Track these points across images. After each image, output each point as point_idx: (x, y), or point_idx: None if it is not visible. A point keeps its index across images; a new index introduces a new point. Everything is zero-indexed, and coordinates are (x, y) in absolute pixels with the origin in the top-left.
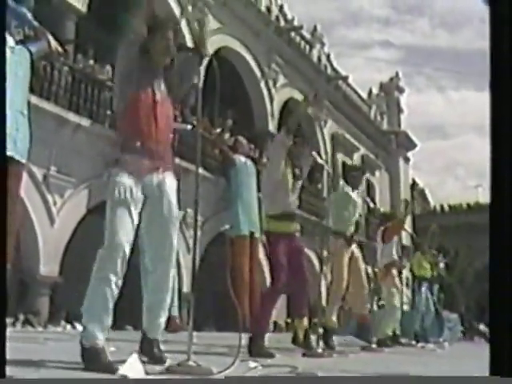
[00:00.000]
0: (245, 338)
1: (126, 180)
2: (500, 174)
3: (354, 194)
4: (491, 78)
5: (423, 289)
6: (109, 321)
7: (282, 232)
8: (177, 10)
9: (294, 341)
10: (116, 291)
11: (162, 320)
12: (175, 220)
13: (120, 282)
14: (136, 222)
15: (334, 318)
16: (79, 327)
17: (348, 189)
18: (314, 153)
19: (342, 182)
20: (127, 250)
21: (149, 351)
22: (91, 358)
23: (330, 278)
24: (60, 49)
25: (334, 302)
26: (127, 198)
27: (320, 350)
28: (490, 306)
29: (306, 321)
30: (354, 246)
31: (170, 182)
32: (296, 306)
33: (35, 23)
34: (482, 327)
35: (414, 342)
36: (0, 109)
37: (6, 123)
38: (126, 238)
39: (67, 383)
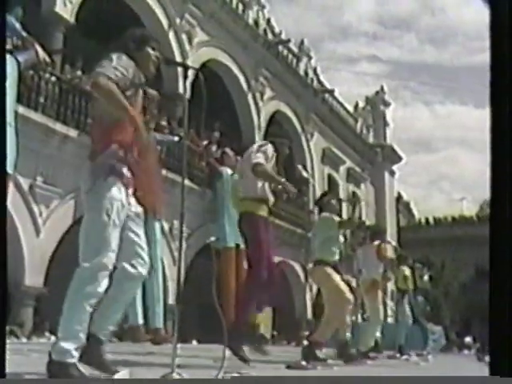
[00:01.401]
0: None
1: (121, 195)
2: (500, 183)
3: (333, 216)
4: (491, 90)
5: (406, 301)
6: (84, 338)
7: (261, 215)
8: (165, 22)
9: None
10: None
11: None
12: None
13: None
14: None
15: (322, 335)
16: None
17: (326, 215)
18: (299, 166)
19: (323, 214)
20: (111, 268)
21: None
22: (60, 372)
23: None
24: (48, 59)
25: (328, 320)
26: (120, 218)
27: (304, 363)
28: (490, 307)
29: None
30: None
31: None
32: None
33: (23, 33)
34: (467, 339)
35: (398, 355)
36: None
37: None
38: (112, 258)
39: (67, 383)
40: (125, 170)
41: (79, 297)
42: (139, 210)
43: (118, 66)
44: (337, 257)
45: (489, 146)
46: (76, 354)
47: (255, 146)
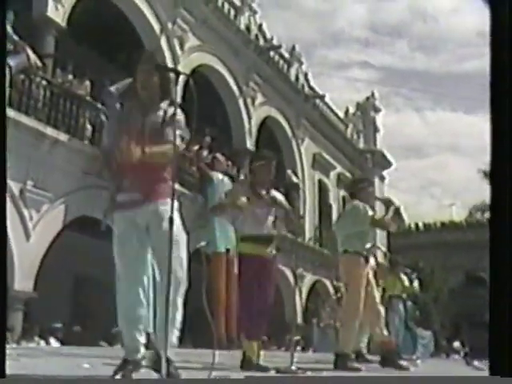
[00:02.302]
0: (219, 355)
1: (127, 219)
2: (499, 187)
3: (367, 208)
4: (491, 93)
5: (395, 307)
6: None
7: (254, 254)
8: (157, 27)
9: (243, 364)
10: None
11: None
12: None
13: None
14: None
15: (346, 345)
16: (53, 343)
17: (359, 203)
18: (289, 171)
19: (360, 203)
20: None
21: None
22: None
23: (344, 300)
24: (39, 63)
25: (349, 326)
26: (134, 239)
27: (294, 368)
28: (490, 307)
29: (255, 345)
30: (368, 267)
31: (163, 208)
32: (252, 328)
33: (15, 37)
34: (456, 344)
35: None
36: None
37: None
38: (142, 270)
39: (67, 383)
40: (121, 198)
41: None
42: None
43: None
44: (367, 247)
45: (481, 151)
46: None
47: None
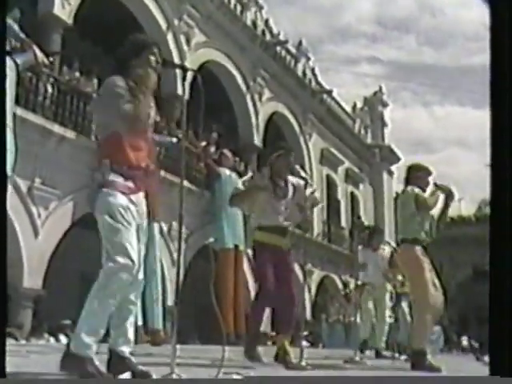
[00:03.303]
0: (228, 351)
1: (122, 199)
2: (500, 183)
3: (415, 190)
4: (491, 90)
5: (404, 303)
6: (102, 335)
7: (271, 244)
8: (163, 24)
9: (277, 358)
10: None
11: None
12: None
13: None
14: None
15: (421, 341)
16: (63, 340)
17: (416, 190)
18: (297, 166)
19: (410, 187)
20: (132, 267)
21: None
22: (77, 366)
23: (411, 295)
24: (46, 60)
25: (420, 322)
26: (127, 220)
27: (303, 363)
28: (490, 307)
29: (289, 338)
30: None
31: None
32: (280, 322)
33: (21, 35)
34: (464, 339)
35: (397, 355)
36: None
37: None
38: (134, 257)
39: (67, 383)
40: (115, 178)
41: (102, 294)
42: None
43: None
44: (424, 236)
45: (489, 146)
46: (95, 349)
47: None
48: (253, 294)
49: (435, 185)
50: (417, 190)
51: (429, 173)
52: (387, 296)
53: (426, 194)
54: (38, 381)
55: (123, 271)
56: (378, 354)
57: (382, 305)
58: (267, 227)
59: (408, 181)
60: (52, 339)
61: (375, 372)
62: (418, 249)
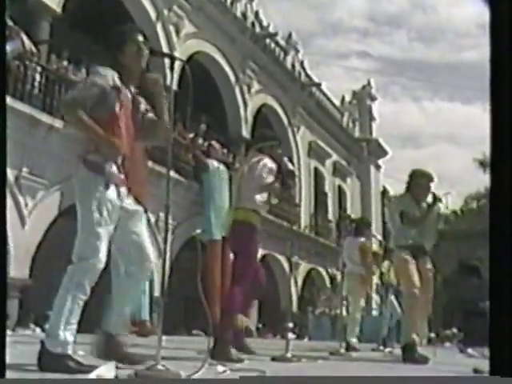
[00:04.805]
0: (212, 342)
1: (112, 195)
2: (499, 180)
3: (422, 203)
4: (491, 89)
5: (390, 295)
6: (75, 331)
7: (251, 222)
8: (153, 14)
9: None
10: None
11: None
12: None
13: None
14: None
15: (411, 332)
16: None
17: (391, 203)
18: (285, 159)
19: (392, 201)
20: (100, 267)
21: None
22: (58, 364)
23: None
24: (34, 49)
25: (409, 314)
26: (111, 218)
27: (289, 355)
28: (491, 306)
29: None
30: (427, 264)
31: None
32: (248, 303)
33: (9, 23)
34: (448, 332)
35: (381, 347)
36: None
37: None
38: (101, 258)
39: (67, 383)
40: (114, 169)
41: (71, 291)
42: (137, 208)
43: (91, 83)
44: (412, 241)
45: (488, 144)
46: (71, 342)
47: (261, 164)
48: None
49: (434, 195)
50: (404, 208)
51: (431, 179)
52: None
53: (426, 202)
54: (38, 381)
55: (92, 271)
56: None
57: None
58: (252, 209)
59: (409, 186)
60: (38, 329)
61: (368, 366)
62: (407, 253)
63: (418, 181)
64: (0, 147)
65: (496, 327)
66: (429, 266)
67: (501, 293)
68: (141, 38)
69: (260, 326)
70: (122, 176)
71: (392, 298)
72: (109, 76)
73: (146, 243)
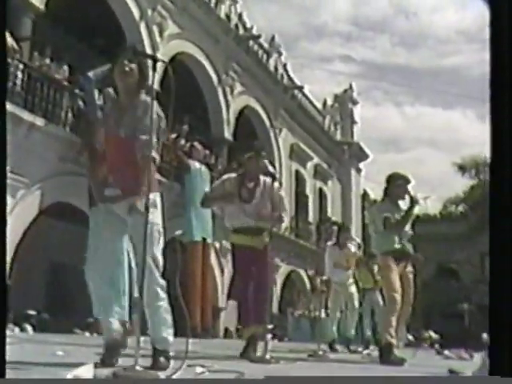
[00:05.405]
0: (194, 344)
1: (107, 210)
2: (499, 185)
3: (400, 206)
4: (491, 91)
5: (367, 298)
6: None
7: (245, 245)
8: (136, 13)
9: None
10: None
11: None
12: (152, 236)
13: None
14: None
15: (389, 335)
16: (28, 329)
17: (374, 209)
18: (265, 161)
19: (373, 207)
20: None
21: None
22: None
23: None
24: (16, 46)
25: (388, 317)
26: (113, 230)
27: (268, 357)
28: (490, 306)
29: (258, 330)
30: (408, 267)
31: (140, 204)
32: (252, 315)
33: None
34: (426, 334)
35: (359, 349)
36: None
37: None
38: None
39: (67, 383)
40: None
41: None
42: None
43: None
44: (397, 246)
45: (489, 144)
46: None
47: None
48: (220, 287)
49: (411, 198)
50: (386, 213)
51: (408, 181)
52: (354, 289)
53: (403, 204)
54: (38, 381)
55: None
56: (332, 348)
57: (352, 300)
58: (239, 229)
59: (387, 190)
60: (17, 329)
61: (345, 367)
62: (390, 258)
63: (395, 183)
64: (0, 150)
65: (496, 327)
66: (409, 268)
67: (501, 292)
68: (130, 55)
69: (239, 327)
70: (118, 192)
71: (371, 301)
72: None
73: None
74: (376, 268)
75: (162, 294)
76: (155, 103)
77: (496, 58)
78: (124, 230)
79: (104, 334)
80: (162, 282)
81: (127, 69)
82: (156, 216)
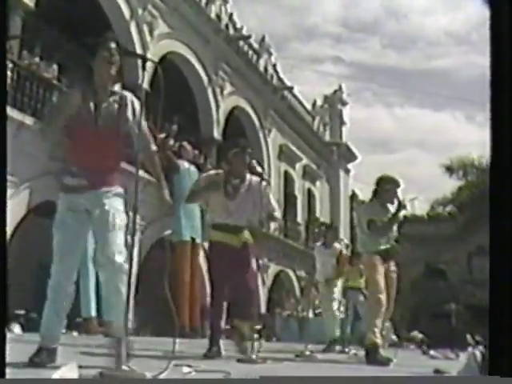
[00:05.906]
0: (181, 344)
1: (69, 202)
2: (500, 185)
3: (388, 208)
4: (491, 92)
5: (354, 297)
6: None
7: (223, 242)
8: (127, 12)
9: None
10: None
11: None
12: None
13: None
14: (85, 235)
15: (374, 335)
16: (16, 330)
17: (360, 209)
18: (253, 161)
19: (361, 207)
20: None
21: None
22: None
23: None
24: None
25: (373, 318)
26: (74, 220)
27: (254, 356)
28: (490, 306)
29: (246, 325)
30: (392, 266)
31: (110, 196)
32: (239, 314)
33: None
34: (412, 334)
35: (346, 349)
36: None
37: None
38: (76, 258)
39: (67, 383)
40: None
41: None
42: None
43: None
44: (382, 247)
45: (489, 146)
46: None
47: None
48: (208, 287)
49: (399, 203)
50: (372, 215)
51: (397, 185)
52: (335, 290)
53: (392, 207)
54: (38, 381)
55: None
56: (330, 348)
57: (339, 299)
58: (219, 226)
59: (376, 192)
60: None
61: (332, 367)
62: (376, 257)
63: (385, 187)
64: (0, 153)
65: (495, 327)
66: (393, 267)
67: (500, 292)
68: (113, 45)
69: (227, 327)
70: (84, 182)
71: (356, 301)
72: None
73: None
74: (362, 267)
75: (124, 278)
76: (130, 95)
77: (496, 58)
78: (88, 225)
79: (45, 334)
80: (126, 266)
81: (107, 61)
82: (119, 205)
